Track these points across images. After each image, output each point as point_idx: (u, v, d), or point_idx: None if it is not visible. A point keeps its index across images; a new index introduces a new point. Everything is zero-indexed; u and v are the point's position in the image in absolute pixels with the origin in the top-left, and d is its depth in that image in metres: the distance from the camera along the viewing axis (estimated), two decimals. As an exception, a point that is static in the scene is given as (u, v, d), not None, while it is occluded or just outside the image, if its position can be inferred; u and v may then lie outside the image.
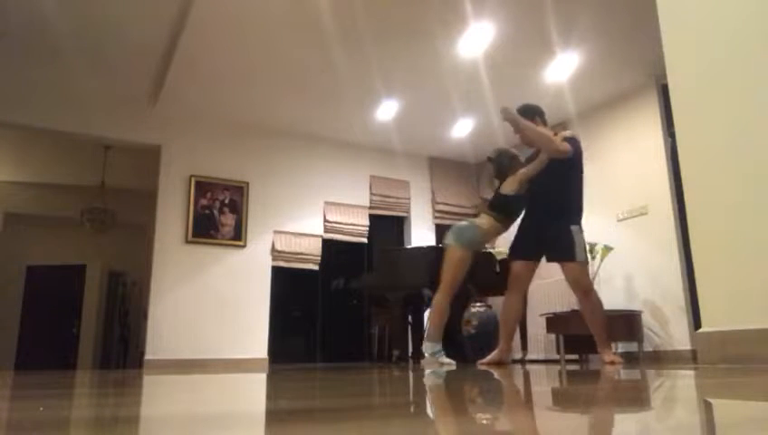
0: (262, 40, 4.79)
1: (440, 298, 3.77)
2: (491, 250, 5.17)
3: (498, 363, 3.63)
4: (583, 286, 3.48)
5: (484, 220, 3.83)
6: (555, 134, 3.67)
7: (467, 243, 3.75)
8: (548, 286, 5.78)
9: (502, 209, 3.82)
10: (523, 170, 3.79)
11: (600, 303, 3.57)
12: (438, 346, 3.79)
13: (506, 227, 3.88)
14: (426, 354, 3.78)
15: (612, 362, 3.45)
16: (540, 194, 3.65)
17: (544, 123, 3.74)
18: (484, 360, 3.72)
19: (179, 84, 5.49)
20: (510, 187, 3.77)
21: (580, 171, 3.63)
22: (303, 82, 5.50)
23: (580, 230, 3.51)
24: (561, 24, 4.58)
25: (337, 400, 1.25)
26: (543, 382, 1.87)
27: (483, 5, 4.36)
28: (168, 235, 5.87)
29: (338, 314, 7.35)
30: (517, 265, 3.66)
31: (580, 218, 3.56)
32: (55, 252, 8.67)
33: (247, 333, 5.97)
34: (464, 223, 3.92)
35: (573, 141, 3.58)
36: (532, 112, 3.70)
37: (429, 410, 1.03)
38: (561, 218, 3.52)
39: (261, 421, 0.89)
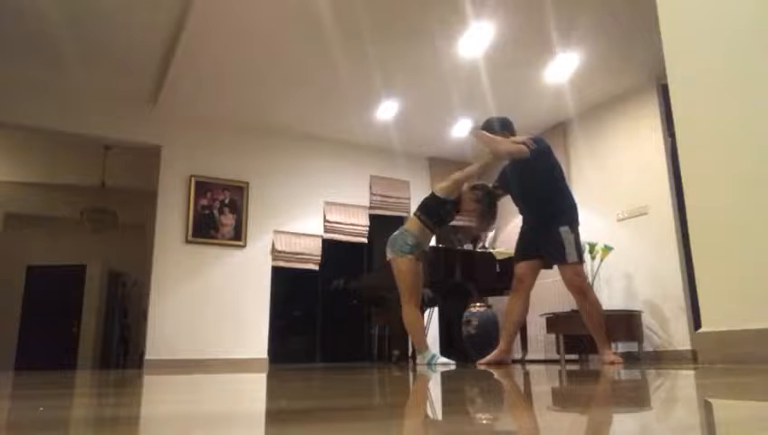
0: (262, 40, 4.79)
1: (408, 310, 3.74)
2: (491, 250, 5.17)
3: (498, 364, 3.64)
4: (577, 287, 3.48)
5: (411, 222, 3.84)
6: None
7: (403, 249, 3.73)
8: (548, 286, 5.77)
9: (427, 211, 3.80)
10: (458, 173, 3.80)
11: (597, 303, 3.57)
12: (430, 352, 3.78)
13: (433, 231, 3.86)
14: (423, 366, 3.75)
15: (612, 363, 3.45)
16: (526, 201, 3.67)
17: (511, 133, 3.74)
18: (484, 360, 3.72)
19: (179, 84, 5.49)
20: (442, 185, 3.79)
21: (556, 169, 3.63)
22: (304, 82, 5.50)
23: (571, 231, 3.48)
24: (561, 24, 4.58)
25: (337, 400, 1.25)
26: (543, 382, 1.87)
27: (483, 5, 4.36)
28: (168, 235, 5.87)
29: (338, 314, 7.36)
30: (519, 267, 3.67)
31: (570, 217, 3.54)
32: (55, 252, 8.68)
33: (247, 333, 5.97)
34: (395, 233, 3.90)
35: (538, 141, 3.60)
36: (495, 130, 3.70)
37: (429, 410, 1.03)
38: (549, 222, 3.53)
39: (261, 421, 0.89)
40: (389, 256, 3.80)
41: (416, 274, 3.76)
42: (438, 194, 3.79)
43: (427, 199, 3.90)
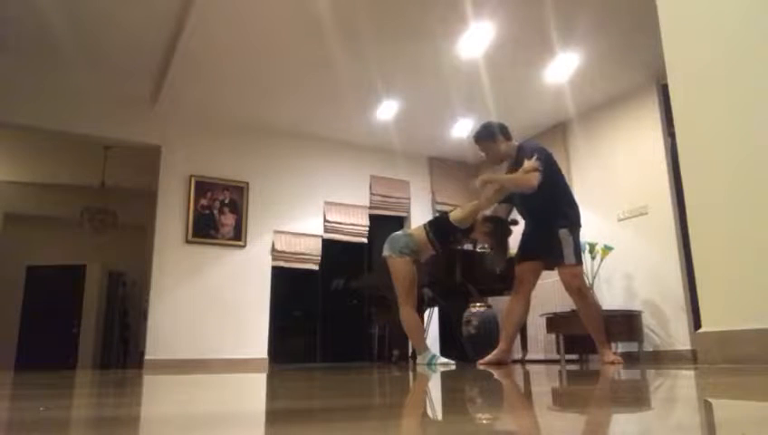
0: (262, 40, 4.79)
1: (405, 311, 3.74)
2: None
3: (497, 364, 3.64)
4: (575, 289, 3.50)
5: (418, 232, 3.83)
6: (520, 149, 3.67)
7: (402, 251, 3.72)
8: (548, 286, 5.76)
9: (438, 231, 3.78)
10: (474, 202, 3.77)
11: (595, 304, 3.58)
12: (429, 353, 3.78)
13: (435, 249, 3.82)
14: (423, 366, 3.74)
15: (613, 362, 3.45)
16: (527, 206, 3.68)
17: (508, 138, 3.74)
18: (484, 360, 3.73)
19: (179, 84, 5.49)
20: (458, 215, 3.76)
21: (556, 174, 3.63)
22: (304, 82, 5.50)
23: (570, 233, 3.50)
24: (561, 24, 4.58)
25: (337, 400, 1.25)
26: (543, 382, 1.87)
27: (483, 5, 4.36)
28: (168, 235, 5.87)
29: (338, 314, 7.35)
30: (520, 268, 3.68)
31: (570, 220, 3.55)
32: (55, 252, 8.67)
33: (247, 333, 5.97)
34: (398, 232, 3.88)
35: (541, 152, 3.58)
36: (496, 134, 3.70)
37: (429, 410, 1.03)
38: (549, 224, 3.54)
39: (261, 421, 0.89)
40: (386, 253, 3.78)
41: (411, 275, 3.75)
42: (453, 221, 3.76)
43: (441, 220, 3.88)
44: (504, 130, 3.74)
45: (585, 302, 3.52)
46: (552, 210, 3.55)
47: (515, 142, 3.76)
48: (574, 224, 3.56)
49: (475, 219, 3.77)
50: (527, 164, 3.51)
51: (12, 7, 4.38)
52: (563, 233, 3.48)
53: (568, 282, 3.50)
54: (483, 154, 3.84)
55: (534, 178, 3.44)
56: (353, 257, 7.02)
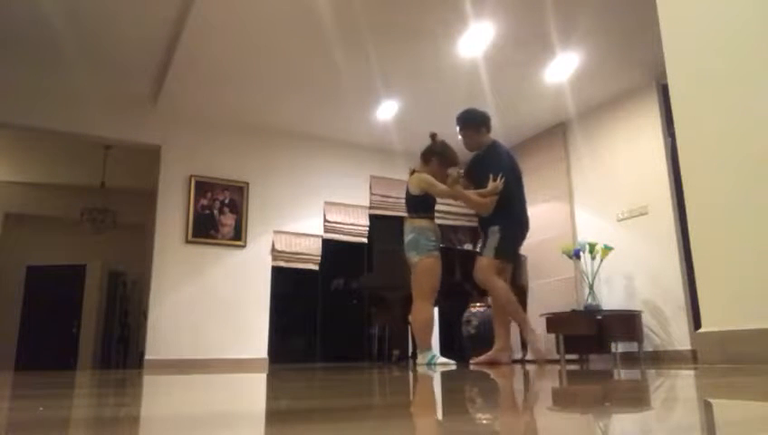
0: (262, 40, 4.79)
1: (427, 308, 3.77)
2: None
3: (491, 363, 3.63)
4: (479, 279, 3.74)
5: (419, 222, 3.88)
6: (491, 148, 3.88)
7: (428, 247, 3.78)
8: (548, 287, 5.77)
9: (422, 206, 3.90)
10: (424, 176, 3.86)
11: (502, 290, 3.70)
12: (430, 352, 3.77)
13: (432, 220, 3.97)
14: (423, 365, 3.72)
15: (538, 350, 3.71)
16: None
17: (488, 130, 3.90)
18: (477, 359, 3.72)
19: (179, 84, 5.49)
20: (415, 186, 3.89)
21: (512, 184, 3.78)
22: (304, 82, 5.50)
23: (499, 231, 3.71)
24: (561, 24, 4.58)
25: (337, 400, 1.25)
26: (543, 382, 1.87)
27: (483, 5, 4.36)
28: (168, 235, 5.87)
29: (338, 314, 7.35)
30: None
31: (508, 221, 3.73)
32: (55, 252, 8.67)
33: (247, 333, 5.97)
34: (411, 236, 3.88)
35: (506, 161, 3.82)
36: (479, 126, 3.93)
37: (429, 410, 1.03)
38: (490, 222, 3.77)
39: (261, 421, 0.89)
40: (415, 259, 3.77)
41: (439, 273, 3.80)
42: (415, 193, 3.88)
43: (412, 198, 3.96)
44: (487, 123, 3.91)
45: (492, 292, 3.77)
46: (498, 208, 3.72)
47: (488, 138, 3.93)
48: (510, 225, 3.74)
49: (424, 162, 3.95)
50: (491, 186, 3.72)
51: (12, 7, 4.38)
52: (493, 229, 3.72)
53: (474, 272, 3.75)
54: (461, 137, 4.00)
55: (490, 206, 3.72)
56: (353, 257, 7.02)
